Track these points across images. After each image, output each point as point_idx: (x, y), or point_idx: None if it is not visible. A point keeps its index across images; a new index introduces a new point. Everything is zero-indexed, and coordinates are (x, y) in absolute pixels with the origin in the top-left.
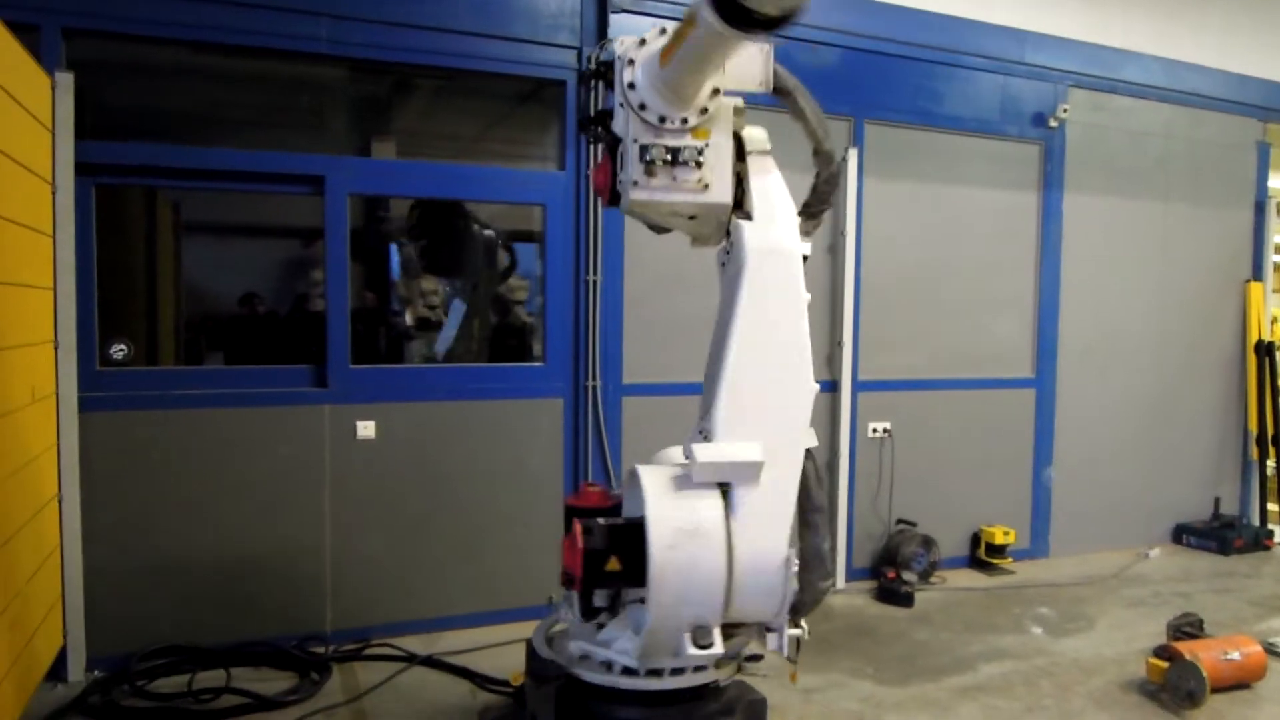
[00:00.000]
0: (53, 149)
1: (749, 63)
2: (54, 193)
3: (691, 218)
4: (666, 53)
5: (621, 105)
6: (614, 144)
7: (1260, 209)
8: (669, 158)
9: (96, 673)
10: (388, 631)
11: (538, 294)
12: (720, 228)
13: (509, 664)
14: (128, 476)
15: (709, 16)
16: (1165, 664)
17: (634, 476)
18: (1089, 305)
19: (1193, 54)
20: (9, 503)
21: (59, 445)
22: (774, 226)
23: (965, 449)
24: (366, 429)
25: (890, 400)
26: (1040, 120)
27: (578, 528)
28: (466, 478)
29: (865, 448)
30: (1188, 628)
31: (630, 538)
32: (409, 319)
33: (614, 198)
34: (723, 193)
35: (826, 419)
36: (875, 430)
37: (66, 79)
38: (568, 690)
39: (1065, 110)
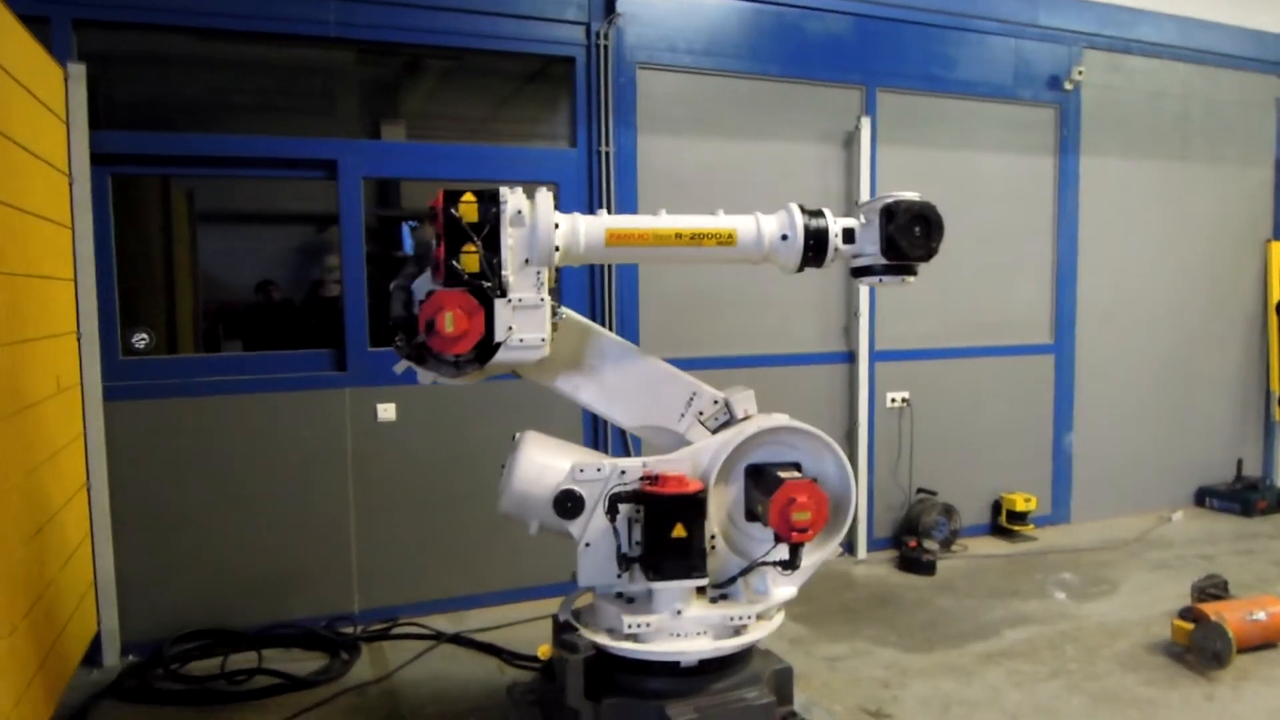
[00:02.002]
0: (68, 140)
1: None
2: (71, 184)
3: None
4: (629, 239)
5: (528, 262)
6: (492, 295)
7: None
8: (554, 310)
9: (131, 657)
10: (414, 611)
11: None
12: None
13: (535, 639)
14: (154, 463)
15: (791, 262)
16: (1190, 625)
17: (766, 434)
18: (1107, 269)
19: (1208, 11)
20: (39, 492)
21: (85, 434)
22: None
23: (985, 417)
24: (387, 411)
25: (908, 370)
26: (1055, 83)
27: (812, 484)
28: (488, 457)
29: (884, 418)
30: (1212, 589)
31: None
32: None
33: (480, 350)
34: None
35: (845, 389)
36: (894, 400)
37: (79, 70)
38: (597, 662)
39: (1080, 72)
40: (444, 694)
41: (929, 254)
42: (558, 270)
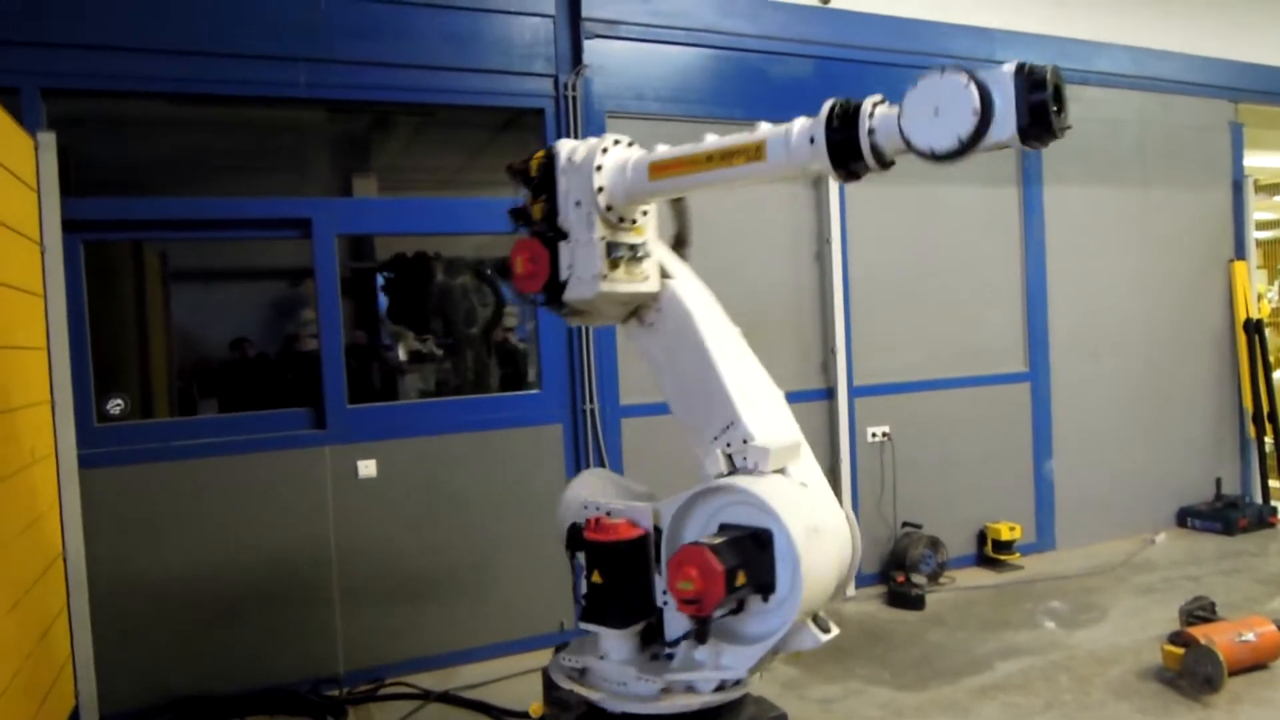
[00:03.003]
0: (39, 209)
1: None
2: (43, 252)
3: (624, 305)
4: (667, 169)
5: (579, 204)
6: (554, 238)
7: (1238, 188)
8: (634, 254)
9: None
10: (401, 670)
11: (528, 320)
12: (628, 309)
13: (524, 694)
14: (131, 530)
15: (824, 165)
16: (1181, 650)
17: (715, 492)
18: (1077, 295)
19: (1160, 40)
20: (16, 565)
21: (61, 503)
22: (688, 281)
23: (965, 447)
24: (368, 468)
25: (887, 404)
26: None
27: (705, 552)
28: (470, 510)
29: (866, 453)
30: (1200, 611)
31: (755, 547)
32: (402, 354)
33: (549, 290)
34: (656, 281)
35: (825, 426)
36: (874, 435)
37: (49, 138)
38: (588, 717)
39: None
40: None
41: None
42: (644, 213)
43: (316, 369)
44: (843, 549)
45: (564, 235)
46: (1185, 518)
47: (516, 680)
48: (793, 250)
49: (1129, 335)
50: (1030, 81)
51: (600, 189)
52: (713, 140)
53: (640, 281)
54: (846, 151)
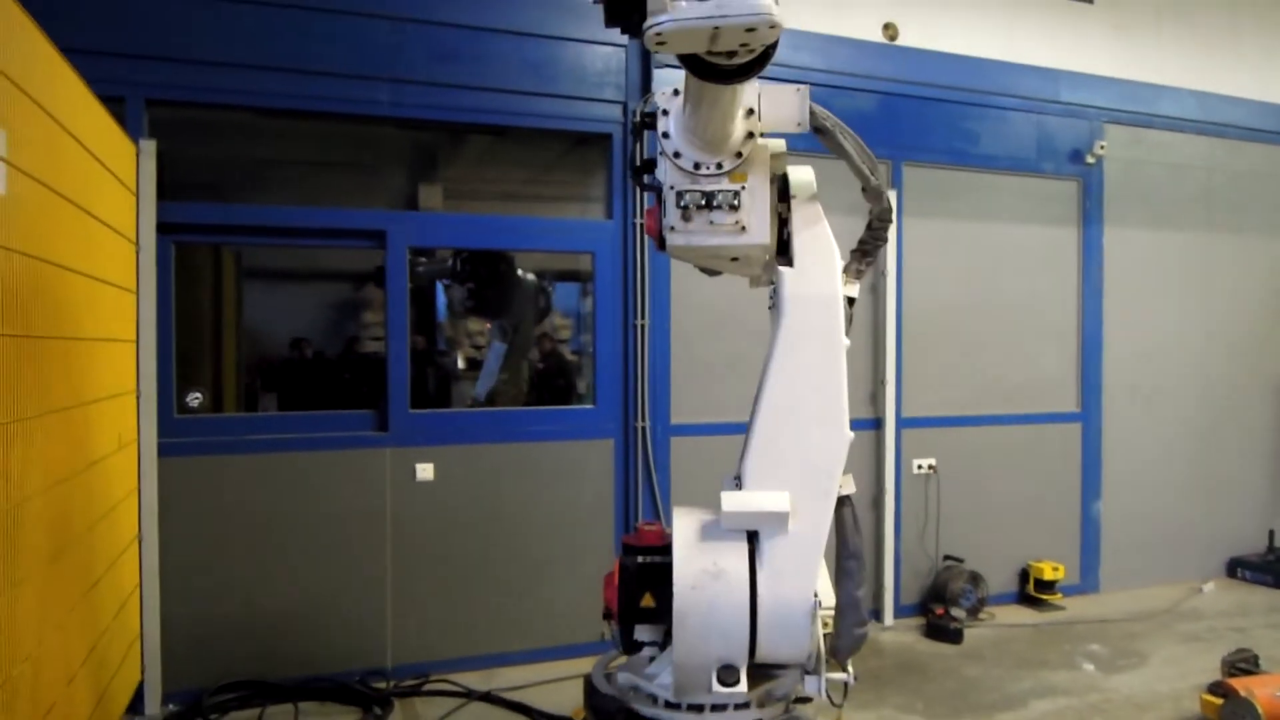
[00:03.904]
0: (136, 211)
1: (784, 104)
2: (138, 252)
3: (734, 259)
4: (686, 102)
5: (660, 154)
6: (659, 191)
7: None
8: (703, 202)
9: (171, 706)
10: (447, 667)
11: (581, 332)
12: (768, 268)
13: (564, 699)
14: (201, 518)
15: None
16: (1220, 700)
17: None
18: (1133, 338)
19: (1229, 86)
20: (99, 546)
21: (140, 489)
22: (814, 272)
23: (1012, 484)
24: (425, 471)
25: (935, 436)
26: (1077, 156)
27: (616, 564)
28: (521, 517)
29: (911, 484)
30: (1242, 664)
31: (661, 576)
32: (460, 362)
33: (663, 242)
34: (761, 234)
35: (871, 456)
36: (920, 467)
37: (150, 146)
38: None
39: (1102, 147)
40: None
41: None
42: (739, 155)
43: (377, 371)
44: (742, 610)
45: (659, 187)
46: (1236, 568)
47: (556, 685)
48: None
49: (1185, 380)
50: None
51: (666, 134)
52: None
53: (727, 234)
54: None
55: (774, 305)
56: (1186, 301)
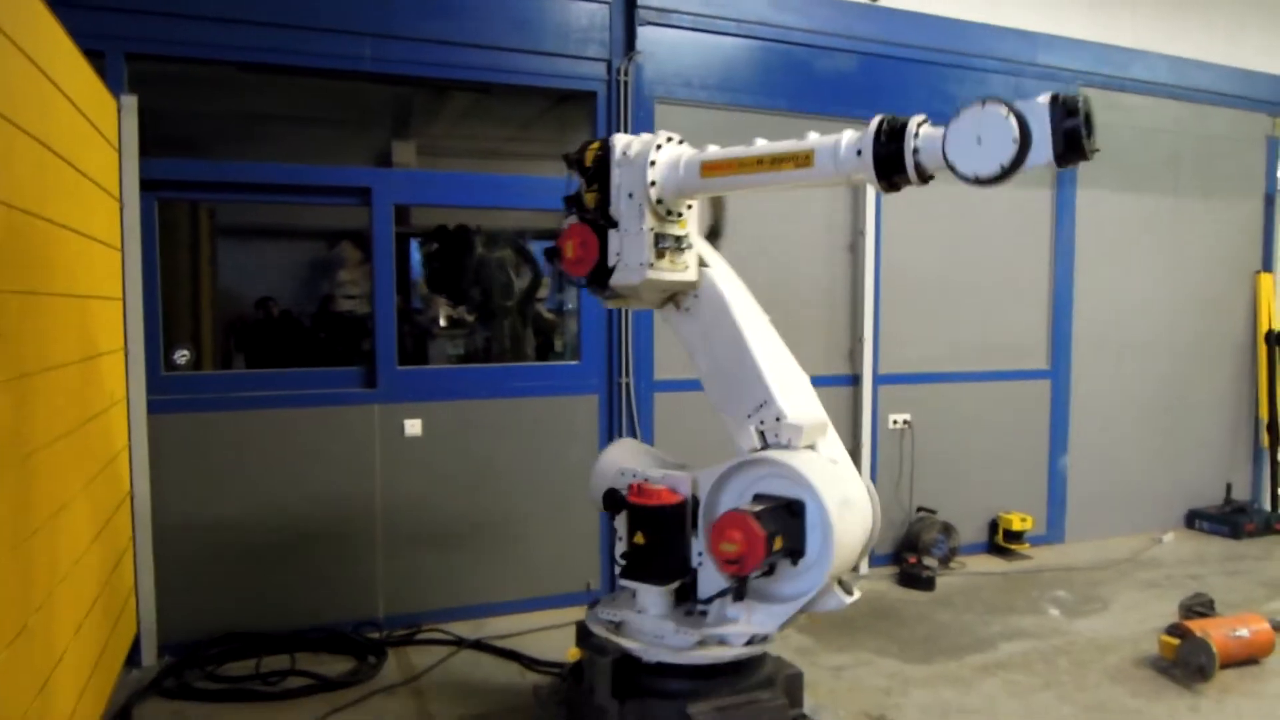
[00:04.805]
0: (119, 167)
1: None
2: (122, 209)
3: (653, 293)
4: (718, 169)
5: (631, 196)
6: (605, 226)
7: (1270, 201)
8: (676, 244)
9: (168, 658)
10: (437, 617)
11: (557, 291)
12: (665, 295)
13: (552, 646)
14: (192, 474)
15: (869, 176)
16: (1177, 641)
17: (753, 465)
18: (1102, 298)
19: (1201, 51)
20: (97, 500)
21: (130, 446)
22: (723, 270)
23: (983, 439)
24: (414, 427)
25: (910, 393)
26: None
27: (748, 518)
28: (508, 471)
29: (886, 438)
30: (1199, 607)
31: (789, 516)
32: (442, 320)
33: (596, 274)
34: (695, 271)
35: (849, 411)
36: (896, 422)
37: (131, 101)
38: (622, 664)
39: None
40: (469, 695)
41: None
42: (689, 207)
43: (353, 331)
44: (866, 520)
45: (614, 224)
46: (1194, 520)
47: (543, 634)
48: (827, 241)
49: (1151, 339)
50: (1064, 110)
51: (653, 183)
52: (763, 145)
53: (681, 271)
54: (891, 166)
55: (693, 306)
56: (1155, 263)
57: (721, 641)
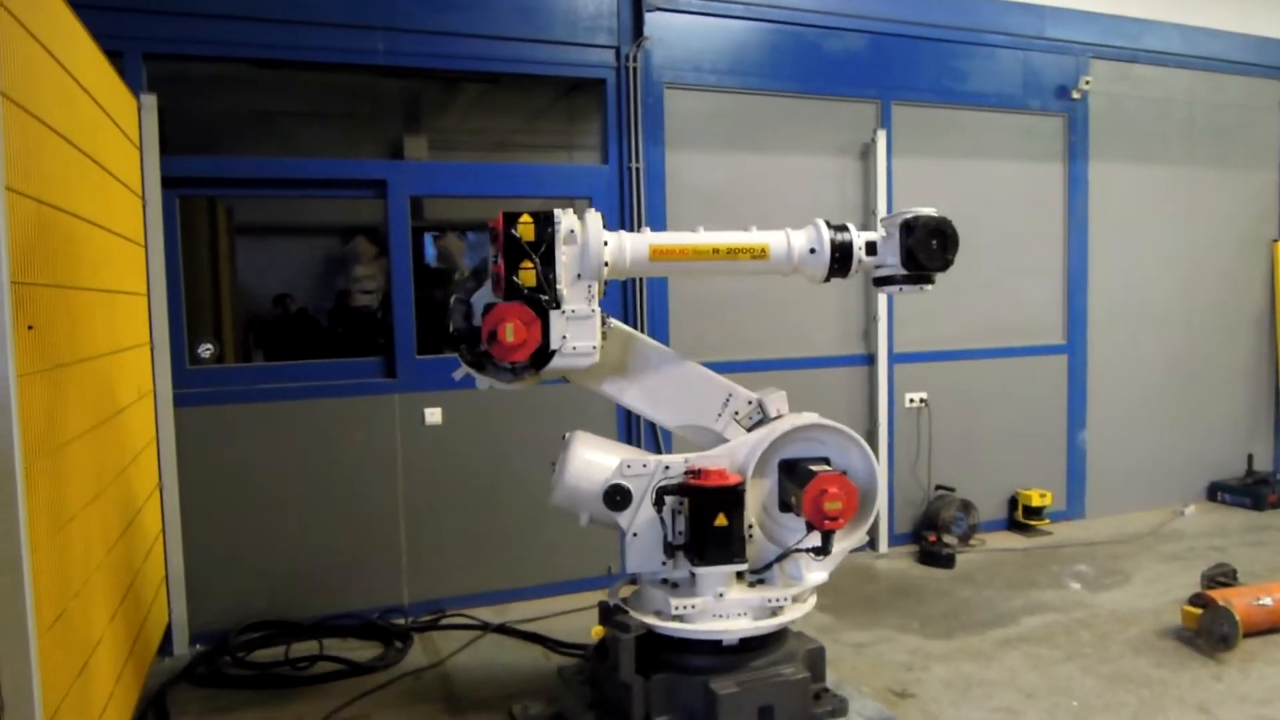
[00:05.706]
0: (141, 165)
1: None
2: (144, 206)
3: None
4: (667, 254)
5: (580, 276)
6: (548, 307)
7: None
8: (607, 325)
9: (199, 646)
10: (460, 603)
11: None
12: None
13: (575, 629)
14: (218, 465)
15: (819, 273)
16: (1199, 610)
17: (796, 432)
18: (1117, 271)
19: (1212, 19)
20: (127, 491)
21: (158, 438)
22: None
23: (1001, 415)
24: (434, 415)
25: (926, 371)
26: (1063, 92)
27: (843, 477)
28: (528, 458)
29: (903, 417)
30: (1221, 577)
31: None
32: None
33: (536, 358)
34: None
35: (864, 391)
36: (912, 400)
37: (151, 100)
38: (646, 641)
39: (1088, 82)
40: (495, 678)
41: (945, 265)
42: (605, 284)
43: (369, 326)
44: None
45: (557, 305)
46: (1215, 492)
47: (566, 618)
48: (839, 220)
49: (1168, 311)
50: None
51: (607, 264)
52: (716, 235)
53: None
54: (842, 269)
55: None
56: (1169, 234)
57: (795, 600)
